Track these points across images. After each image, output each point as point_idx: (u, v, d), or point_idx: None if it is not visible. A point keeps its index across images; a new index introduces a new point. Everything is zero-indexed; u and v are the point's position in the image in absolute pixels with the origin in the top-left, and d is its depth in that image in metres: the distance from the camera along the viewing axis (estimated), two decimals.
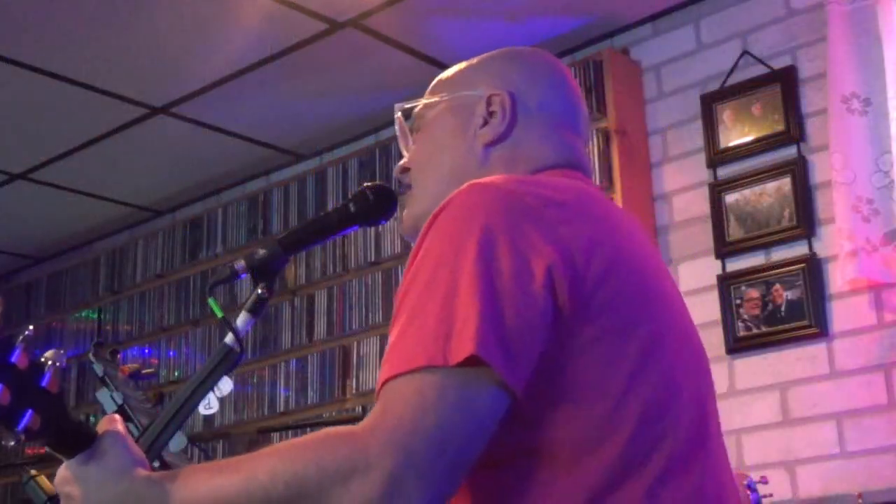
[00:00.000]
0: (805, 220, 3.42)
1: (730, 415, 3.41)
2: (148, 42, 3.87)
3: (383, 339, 3.96)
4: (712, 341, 3.47)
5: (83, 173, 4.89)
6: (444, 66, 1.57)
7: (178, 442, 1.36)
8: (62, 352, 1.16)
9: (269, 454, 1.11)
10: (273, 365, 4.53)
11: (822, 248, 3.40)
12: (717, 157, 3.64)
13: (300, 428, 3.64)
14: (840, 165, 3.25)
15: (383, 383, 1.11)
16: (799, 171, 3.46)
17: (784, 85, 3.54)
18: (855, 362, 3.26)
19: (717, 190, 3.61)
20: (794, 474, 3.31)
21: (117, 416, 1.26)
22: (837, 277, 3.29)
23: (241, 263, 1.43)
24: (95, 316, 5.39)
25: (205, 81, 4.14)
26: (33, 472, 1.31)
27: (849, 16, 3.33)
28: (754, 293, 3.47)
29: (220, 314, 1.41)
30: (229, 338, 1.39)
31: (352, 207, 1.48)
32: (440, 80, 1.49)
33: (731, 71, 3.66)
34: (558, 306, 1.14)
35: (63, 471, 1.20)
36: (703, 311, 3.53)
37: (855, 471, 3.20)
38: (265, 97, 4.28)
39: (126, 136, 4.54)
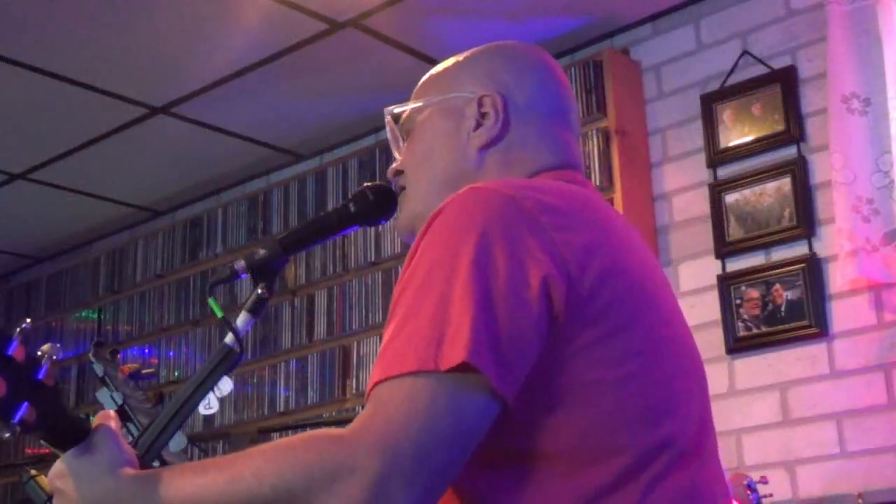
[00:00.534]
0: (805, 220, 3.42)
1: (730, 415, 3.41)
2: (148, 42, 3.87)
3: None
4: (712, 341, 3.48)
5: (83, 173, 4.89)
6: None
7: (178, 442, 1.36)
8: (59, 346, 1.16)
9: (256, 454, 1.11)
10: (273, 365, 4.53)
11: (822, 248, 3.40)
12: (717, 157, 3.64)
13: (300, 428, 3.64)
14: (840, 165, 3.25)
15: (374, 385, 1.10)
16: (799, 171, 3.46)
17: (784, 85, 3.54)
18: (855, 362, 3.26)
19: (717, 190, 3.61)
20: (794, 474, 3.31)
21: (112, 413, 1.26)
22: (837, 277, 3.29)
23: (241, 263, 1.43)
24: (95, 316, 5.39)
25: (205, 81, 4.14)
26: (33, 472, 1.31)
27: (849, 16, 3.33)
28: (754, 293, 3.46)
29: (220, 314, 1.41)
30: (229, 338, 1.39)
31: (352, 207, 1.48)
32: (428, 81, 1.48)
33: (731, 71, 3.66)
34: (553, 314, 1.13)
35: (58, 464, 1.20)
36: (703, 311, 3.53)
37: (855, 471, 3.20)
38: (265, 97, 4.28)
39: (126, 136, 4.54)
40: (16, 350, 1.10)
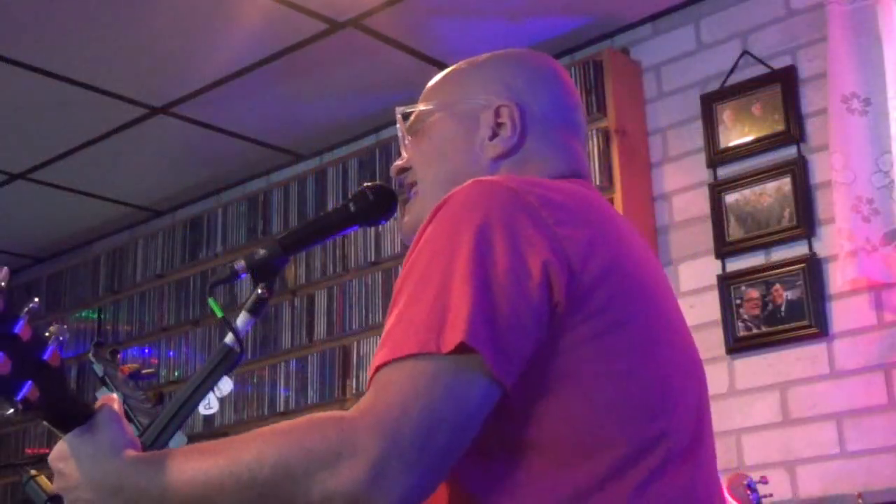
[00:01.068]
0: (805, 220, 3.42)
1: (730, 415, 3.42)
2: (148, 42, 3.87)
3: None
4: (712, 341, 3.48)
5: (83, 173, 4.89)
6: (444, 66, 1.55)
7: (178, 442, 1.36)
8: (65, 327, 1.17)
9: (258, 436, 1.12)
10: (273, 365, 4.53)
11: (822, 248, 3.40)
12: (717, 157, 3.64)
13: None
14: (840, 165, 3.25)
15: (376, 369, 1.12)
16: (799, 171, 3.46)
17: (784, 85, 3.54)
18: (855, 362, 3.26)
19: (717, 190, 3.61)
20: (794, 474, 3.31)
21: (115, 395, 1.26)
22: (837, 277, 3.29)
23: (241, 263, 1.43)
24: (95, 316, 5.40)
25: (205, 81, 4.14)
26: (33, 472, 1.32)
27: (849, 16, 3.33)
28: (754, 293, 3.47)
29: (220, 314, 1.41)
30: (229, 338, 1.39)
31: (352, 207, 1.48)
32: (439, 84, 1.47)
33: (731, 71, 3.66)
34: (553, 304, 1.14)
35: (59, 445, 1.20)
36: (703, 311, 3.53)
37: (855, 471, 3.20)
38: (265, 97, 4.28)
39: (126, 136, 4.54)
40: (22, 329, 1.11)
